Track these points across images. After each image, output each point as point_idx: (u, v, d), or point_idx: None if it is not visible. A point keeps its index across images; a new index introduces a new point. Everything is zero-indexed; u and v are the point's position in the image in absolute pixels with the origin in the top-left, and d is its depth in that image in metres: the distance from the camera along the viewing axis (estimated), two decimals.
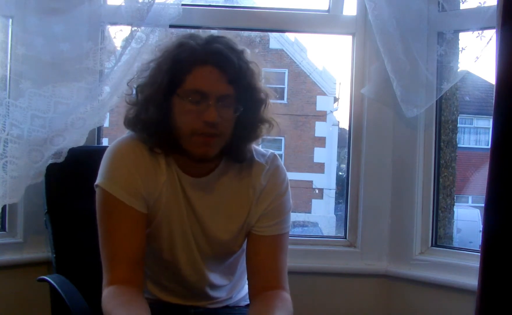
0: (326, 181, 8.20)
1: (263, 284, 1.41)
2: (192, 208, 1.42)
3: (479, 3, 1.88)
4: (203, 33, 1.40)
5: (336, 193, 7.79)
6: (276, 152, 1.51)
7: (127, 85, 1.44)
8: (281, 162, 1.50)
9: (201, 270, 1.47)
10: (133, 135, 1.41)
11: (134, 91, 1.40)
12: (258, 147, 1.50)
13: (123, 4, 1.85)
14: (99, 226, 1.38)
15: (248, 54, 1.39)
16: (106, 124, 2.15)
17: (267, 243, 1.44)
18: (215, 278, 1.51)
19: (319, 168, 8.44)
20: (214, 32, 1.47)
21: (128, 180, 1.36)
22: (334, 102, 8.51)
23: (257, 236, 1.45)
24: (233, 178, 1.45)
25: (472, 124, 6.52)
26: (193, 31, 1.45)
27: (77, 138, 1.86)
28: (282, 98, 8.28)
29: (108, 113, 1.97)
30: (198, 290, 1.50)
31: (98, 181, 1.38)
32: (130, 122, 1.40)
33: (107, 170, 1.38)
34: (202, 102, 1.31)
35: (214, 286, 1.52)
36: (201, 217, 1.43)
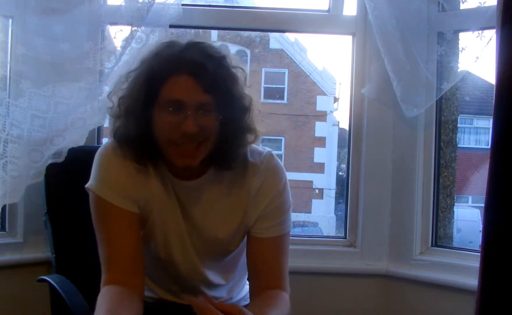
0: (326, 181, 8.21)
1: (264, 285, 1.41)
2: (185, 209, 1.42)
3: (479, 3, 1.89)
4: (182, 40, 1.36)
5: (336, 193, 7.80)
6: (276, 152, 1.50)
7: (107, 98, 1.43)
8: (278, 161, 1.47)
9: (198, 269, 1.47)
10: None
11: (116, 104, 1.37)
12: (255, 146, 1.47)
13: (123, 4, 1.85)
14: (95, 228, 1.38)
15: (231, 59, 1.35)
16: (106, 124, 2.15)
17: (267, 245, 1.44)
18: (213, 276, 1.50)
19: (319, 168, 8.45)
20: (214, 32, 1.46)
21: (117, 182, 1.36)
22: (334, 102, 8.52)
23: (257, 238, 1.44)
24: (227, 179, 1.43)
25: (472, 124, 6.53)
26: (189, 31, 1.43)
27: (77, 138, 1.86)
28: (282, 98, 8.29)
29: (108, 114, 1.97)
30: (196, 289, 1.50)
31: (89, 184, 1.38)
32: (115, 136, 1.38)
33: (96, 173, 1.38)
34: (180, 112, 1.28)
35: (212, 285, 1.52)
36: (194, 218, 1.43)
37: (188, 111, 1.27)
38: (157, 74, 1.30)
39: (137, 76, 1.33)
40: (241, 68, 1.37)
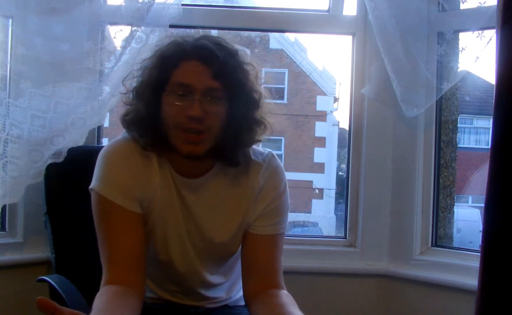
0: (326, 181, 8.21)
1: (261, 283, 1.40)
2: (188, 209, 1.42)
3: (479, 3, 1.89)
4: (197, 33, 1.40)
5: (336, 193, 7.79)
6: (276, 152, 1.50)
7: (122, 85, 1.45)
8: (280, 162, 1.48)
9: (198, 270, 1.47)
10: (126, 137, 1.41)
11: (130, 91, 1.40)
12: (256, 146, 1.48)
13: (123, 4, 1.85)
14: (96, 228, 1.38)
15: (244, 55, 1.38)
16: (106, 124, 2.15)
17: (264, 242, 1.44)
18: (212, 277, 1.50)
19: (319, 168, 8.44)
20: (214, 32, 1.47)
21: (121, 182, 1.35)
22: (334, 102, 8.52)
23: (253, 235, 1.44)
24: (230, 177, 1.43)
25: (472, 124, 6.53)
26: (189, 31, 1.45)
27: (77, 138, 1.86)
28: (282, 98, 8.28)
29: (108, 113, 1.97)
30: (195, 290, 1.50)
31: (92, 184, 1.38)
32: (124, 121, 1.40)
33: (100, 173, 1.38)
34: (187, 97, 1.30)
35: (211, 286, 1.52)
36: (197, 218, 1.42)
37: (195, 95, 1.30)
38: (169, 59, 1.33)
39: (151, 63, 1.37)
40: (253, 65, 1.39)
